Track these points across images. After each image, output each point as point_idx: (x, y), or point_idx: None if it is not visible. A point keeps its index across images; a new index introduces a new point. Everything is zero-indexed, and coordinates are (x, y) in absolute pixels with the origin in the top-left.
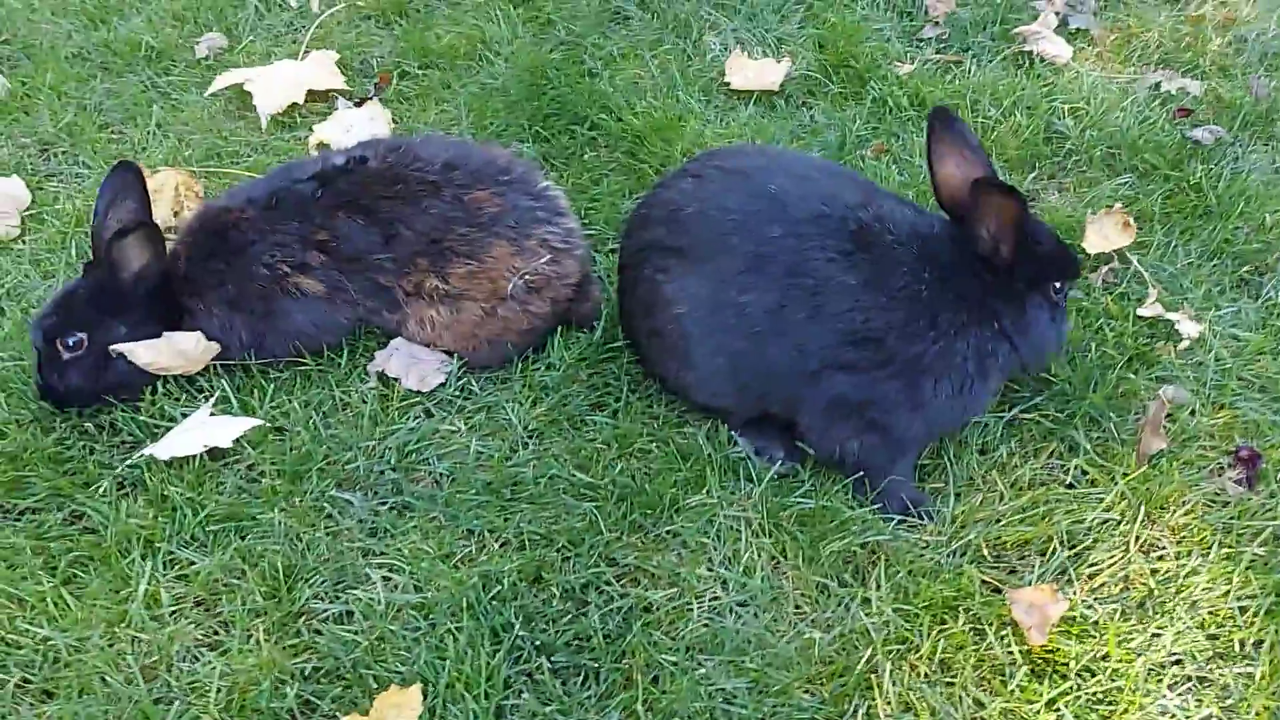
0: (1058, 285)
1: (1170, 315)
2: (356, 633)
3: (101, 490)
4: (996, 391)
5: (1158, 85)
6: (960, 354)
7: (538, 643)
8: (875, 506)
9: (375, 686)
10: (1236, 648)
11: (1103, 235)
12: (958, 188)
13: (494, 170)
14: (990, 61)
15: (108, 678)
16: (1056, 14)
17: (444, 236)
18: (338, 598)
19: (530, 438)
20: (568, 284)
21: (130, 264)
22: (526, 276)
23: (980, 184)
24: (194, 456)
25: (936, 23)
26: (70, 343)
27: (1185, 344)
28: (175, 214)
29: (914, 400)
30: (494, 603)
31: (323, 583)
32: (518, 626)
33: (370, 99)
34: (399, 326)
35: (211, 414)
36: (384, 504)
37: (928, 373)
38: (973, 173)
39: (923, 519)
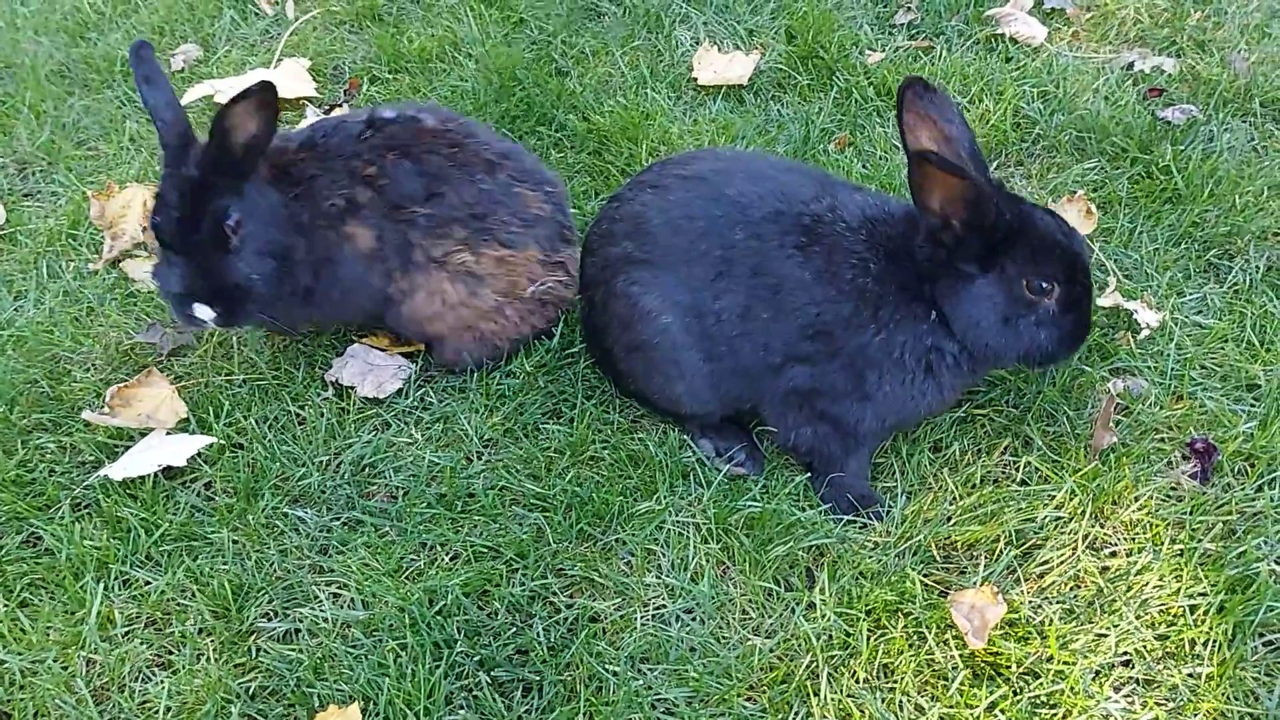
0: (1038, 283)
1: (1129, 304)
2: (301, 651)
3: (60, 513)
4: (956, 389)
5: (1131, 65)
6: (899, 347)
7: (479, 657)
8: (825, 506)
9: (318, 705)
10: (1186, 647)
11: None
12: None
13: (542, 178)
14: (962, 46)
15: (61, 700)
16: None
17: (488, 215)
18: (285, 616)
19: (485, 447)
20: (563, 309)
21: (245, 130)
22: (545, 286)
23: (917, 156)
24: (150, 476)
25: (909, 8)
26: (231, 222)
27: (1145, 333)
28: (144, 229)
29: (860, 391)
30: (438, 618)
31: (271, 601)
32: (460, 641)
33: (340, 105)
34: (402, 299)
35: (168, 432)
36: (337, 519)
37: (871, 365)
38: (944, 148)
39: (871, 519)
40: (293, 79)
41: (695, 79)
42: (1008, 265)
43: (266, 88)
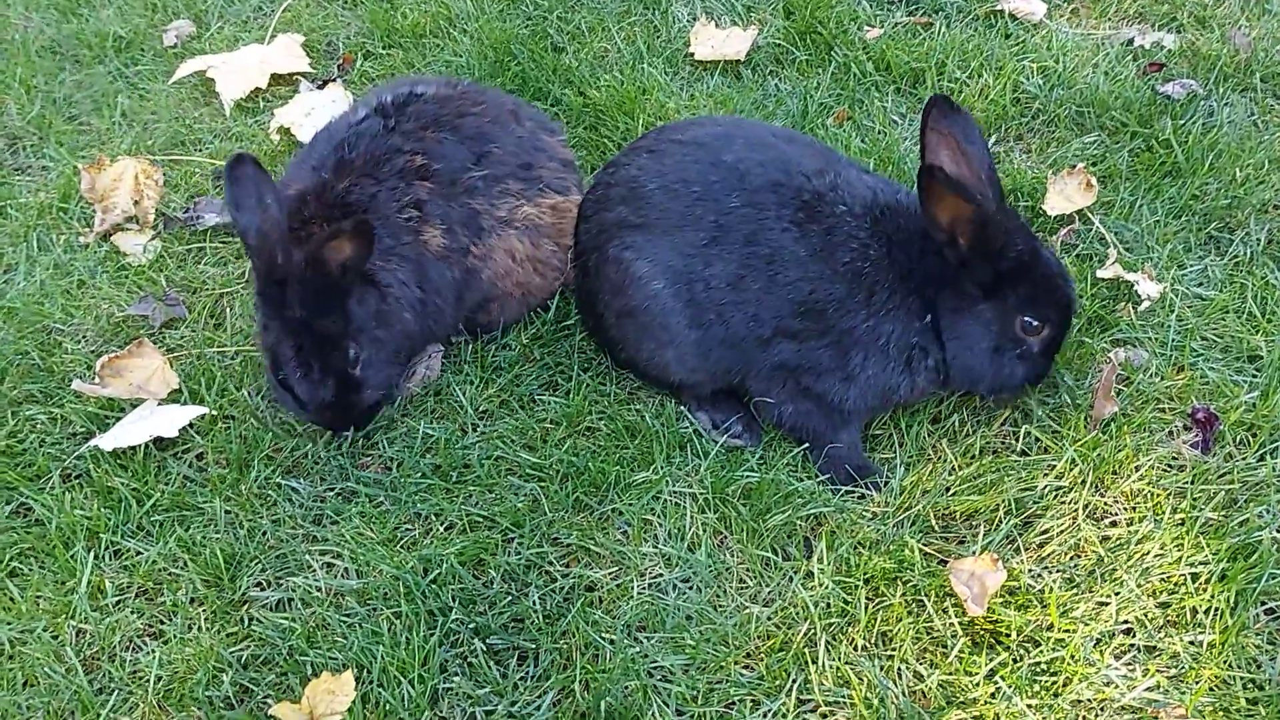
0: (1032, 323)
1: (1130, 276)
2: (294, 620)
3: (50, 483)
4: (926, 390)
5: (1131, 40)
6: (885, 335)
7: (474, 625)
8: (822, 478)
9: (310, 673)
10: (1187, 615)
11: (1064, 196)
12: None
13: (552, 125)
14: (961, 22)
15: (50, 669)
16: None
17: (534, 164)
18: (278, 585)
19: (480, 419)
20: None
21: (339, 257)
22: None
23: (927, 171)
24: (141, 447)
25: None
26: (352, 355)
27: (1145, 305)
28: (135, 202)
29: (843, 370)
30: (432, 587)
31: (264, 570)
32: (455, 610)
33: (333, 80)
34: (482, 265)
35: (159, 404)
36: (330, 490)
37: (857, 346)
38: (963, 168)
39: (869, 489)
40: (286, 55)
41: (692, 54)
42: (1010, 297)
43: (363, 224)
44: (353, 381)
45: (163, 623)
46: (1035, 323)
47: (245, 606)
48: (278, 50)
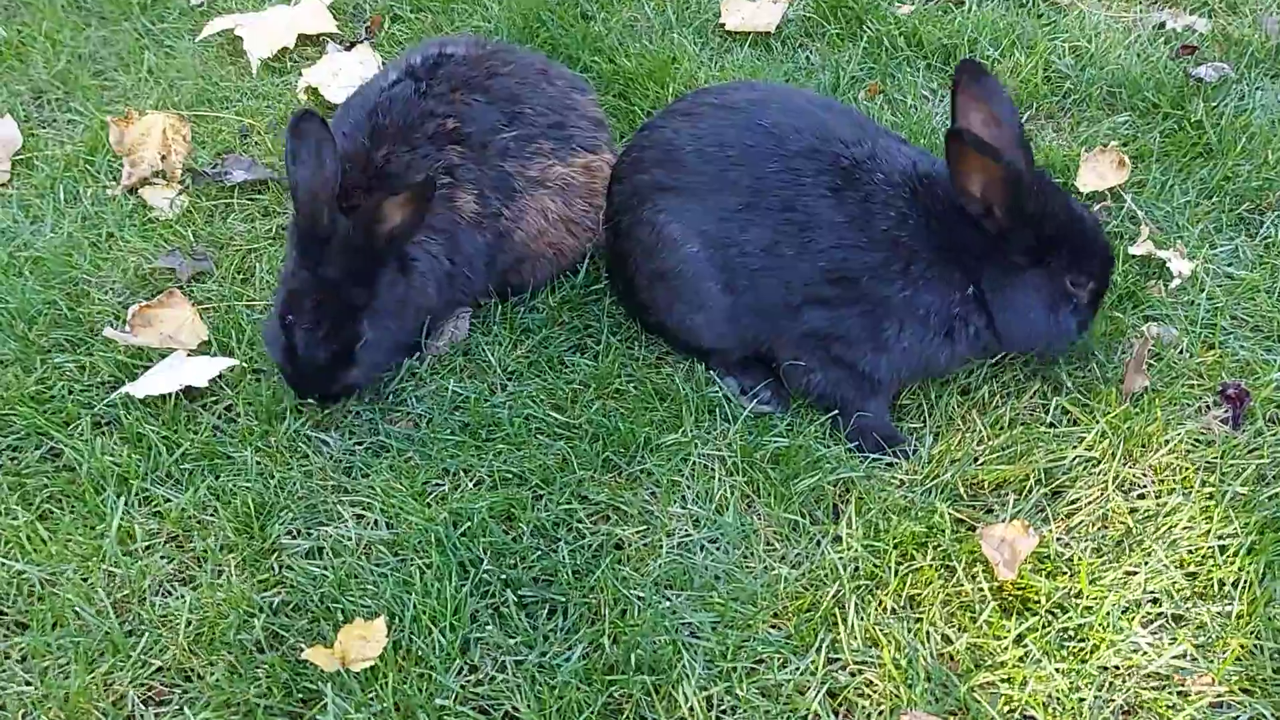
0: (1079, 279)
1: (1161, 253)
2: (326, 568)
3: (80, 429)
4: (965, 359)
5: (1163, 24)
6: (925, 306)
7: (505, 577)
8: (851, 445)
9: (342, 620)
10: (1215, 587)
11: (1097, 173)
12: None
13: (582, 83)
14: (993, 1)
15: (80, 610)
16: None
17: (565, 123)
18: (309, 534)
19: (509, 379)
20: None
21: (390, 222)
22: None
23: (953, 134)
24: (171, 396)
25: None
26: (362, 332)
27: (1177, 282)
28: (163, 157)
29: (876, 340)
30: (463, 539)
31: (294, 520)
32: (486, 561)
33: (361, 43)
34: (513, 228)
35: (189, 354)
36: (360, 444)
37: (891, 316)
38: (996, 132)
39: (898, 457)
40: (313, 16)
41: (723, 24)
42: (1054, 260)
43: (428, 183)
44: (350, 357)
45: (193, 568)
46: (1081, 278)
47: (276, 555)
48: (304, 11)
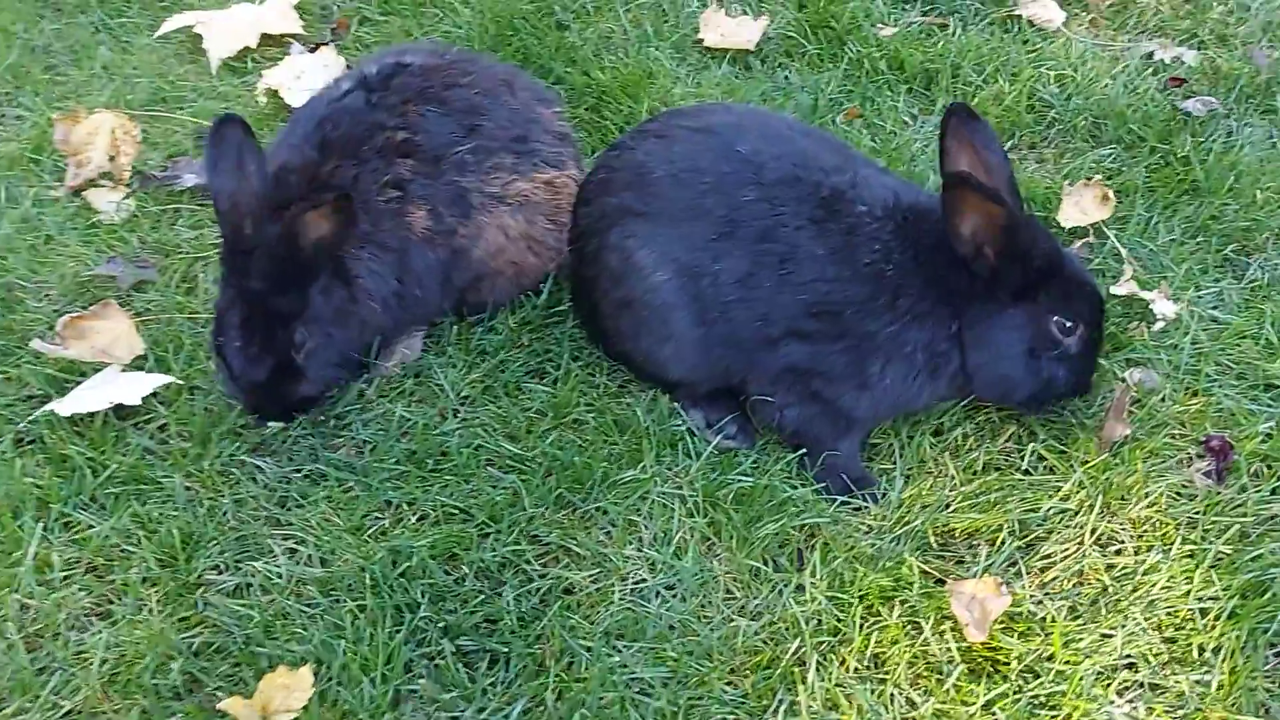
0: (1066, 322)
1: (1145, 294)
2: (252, 607)
3: (1, 447)
4: (945, 397)
5: (1151, 54)
6: (913, 343)
7: (444, 624)
8: (818, 485)
9: (266, 666)
10: (1194, 653)
11: (1080, 208)
12: None
13: (548, 95)
14: (978, 25)
15: None
16: None
17: (528, 137)
18: (236, 569)
19: (462, 405)
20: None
21: (314, 234)
22: None
23: (955, 178)
24: (100, 414)
25: None
26: (299, 340)
27: (1160, 325)
28: (111, 158)
29: (859, 378)
30: (401, 580)
31: (222, 553)
32: (424, 606)
33: (326, 45)
34: (471, 245)
35: (123, 369)
36: (298, 471)
37: (877, 353)
38: (985, 176)
39: (866, 501)
40: (278, 15)
41: (701, 40)
42: (1041, 299)
43: (345, 199)
44: (292, 369)
45: (112, 602)
46: (1069, 323)
47: (200, 590)
48: (270, 10)
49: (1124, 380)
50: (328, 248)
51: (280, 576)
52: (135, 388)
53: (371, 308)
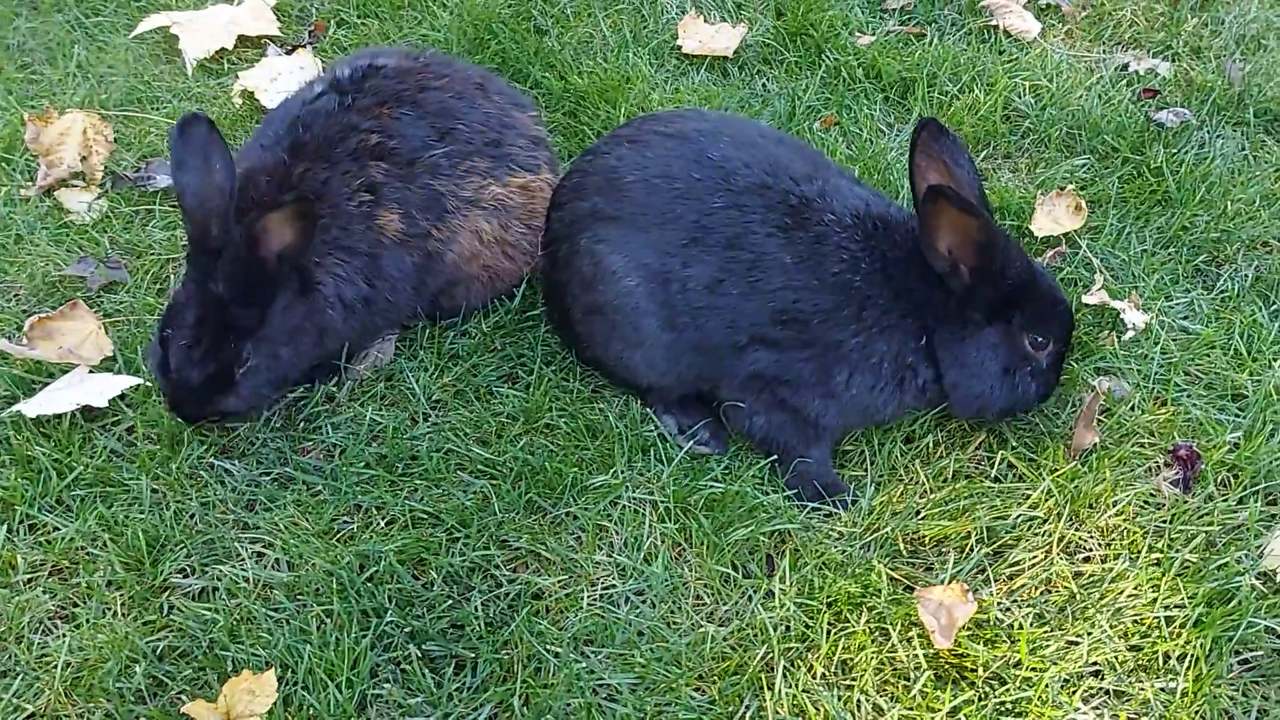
0: (1039, 339)
1: (1116, 303)
2: (217, 611)
3: None
4: (913, 408)
5: (1126, 66)
6: (879, 354)
7: (411, 629)
8: (789, 492)
9: (231, 670)
10: (1160, 661)
11: (1052, 217)
12: None
13: (522, 99)
14: (954, 35)
15: None
16: None
17: (502, 141)
18: (203, 572)
19: (433, 409)
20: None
21: (277, 240)
22: None
23: (933, 191)
24: (67, 415)
25: None
26: (244, 356)
27: (1130, 334)
28: (83, 158)
29: (825, 386)
30: (368, 585)
31: (189, 556)
32: (390, 611)
33: (303, 47)
34: (444, 248)
35: (91, 370)
36: (266, 474)
37: (843, 362)
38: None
39: (837, 507)
40: (255, 17)
41: (679, 46)
42: (1015, 317)
43: (306, 200)
44: (227, 382)
45: (76, 605)
46: (1040, 338)
47: (166, 594)
48: (247, 11)
49: (1094, 389)
50: (293, 256)
51: (247, 580)
52: (103, 389)
53: (332, 316)
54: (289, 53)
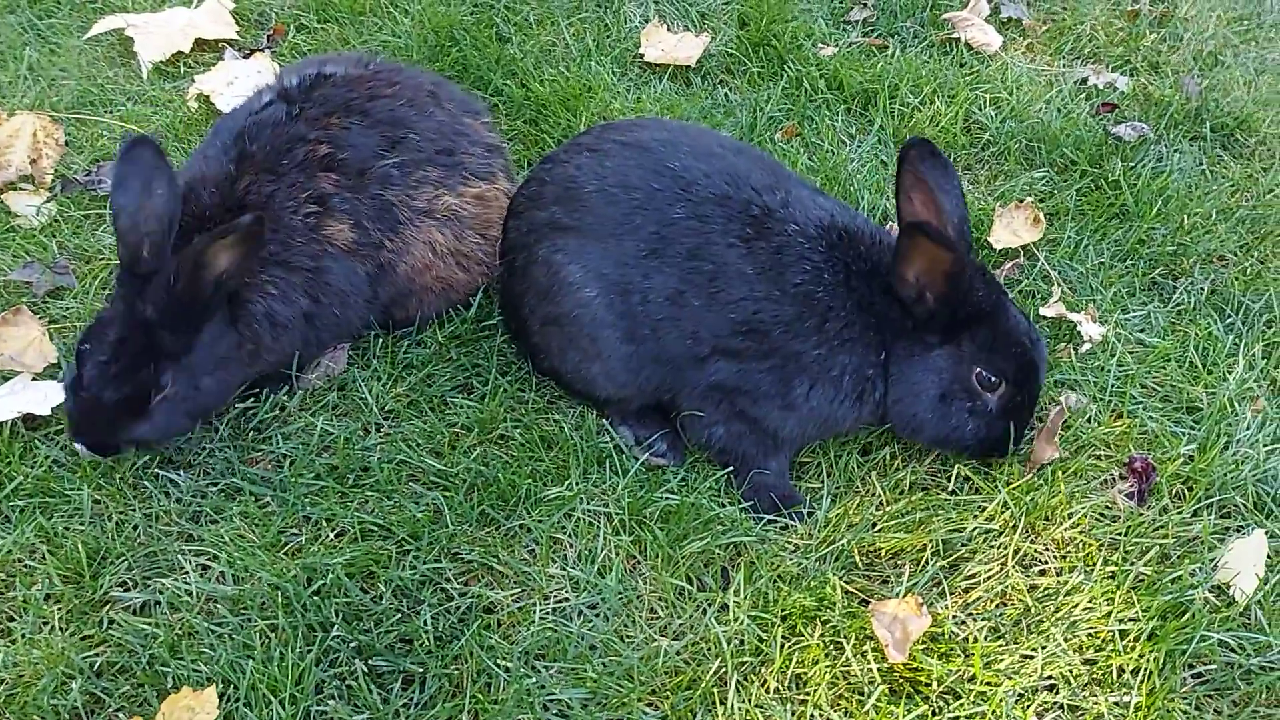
0: (989, 377)
1: (1073, 316)
2: (158, 625)
3: None
4: (871, 422)
5: (1085, 80)
6: (840, 366)
7: (357, 644)
8: (745, 504)
9: (170, 686)
10: (1114, 675)
11: (1010, 230)
12: None
13: (475, 106)
14: (917, 47)
15: None
16: (989, 2)
17: (455, 149)
18: (145, 585)
19: (386, 419)
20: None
21: (217, 266)
22: None
23: (912, 228)
24: (8, 424)
25: (865, 5)
26: (162, 383)
27: (1087, 346)
28: (32, 161)
29: (784, 398)
30: (315, 599)
31: (131, 569)
32: (337, 625)
33: (261, 51)
34: (397, 260)
35: (34, 378)
36: (213, 485)
37: (803, 374)
38: (936, 216)
39: (793, 519)
40: (212, 20)
41: (642, 55)
42: (965, 344)
43: (256, 221)
44: (139, 407)
45: (12, 620)
46: (992, 377)
47: (106, 607)
48: (205, 14)
49: (1059, 403)
50: (228, 281)
51: (190, 594)
52: (47, 396)
53: (259, 333)
54: (247, 57)
